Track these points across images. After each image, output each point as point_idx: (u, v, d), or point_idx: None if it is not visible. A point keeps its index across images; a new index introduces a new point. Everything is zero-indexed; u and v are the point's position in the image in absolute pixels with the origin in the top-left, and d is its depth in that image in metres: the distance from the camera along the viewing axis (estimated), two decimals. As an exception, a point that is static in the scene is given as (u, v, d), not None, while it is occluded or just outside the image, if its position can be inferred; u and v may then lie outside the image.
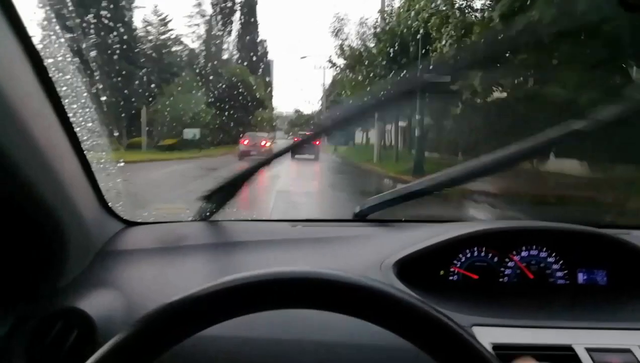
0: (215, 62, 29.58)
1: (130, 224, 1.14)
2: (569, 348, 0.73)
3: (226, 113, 29.01)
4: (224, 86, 29.36)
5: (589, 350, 0.73)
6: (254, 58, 40.75)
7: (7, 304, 0.79)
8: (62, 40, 0.73)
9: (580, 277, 1.01)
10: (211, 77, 26.56)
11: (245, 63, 33.96)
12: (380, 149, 19.81)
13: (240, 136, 21.81)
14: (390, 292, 0.41)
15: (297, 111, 66.68)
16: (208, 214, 1.39)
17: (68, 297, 0.80)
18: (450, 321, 0.41)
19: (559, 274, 1.02)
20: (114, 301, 0.83)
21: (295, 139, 20.92)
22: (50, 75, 0.67)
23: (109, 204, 1.03)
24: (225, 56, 33.57)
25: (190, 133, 21.84)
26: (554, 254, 1.02)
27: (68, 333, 0.75)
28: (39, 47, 0.62)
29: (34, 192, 0.70)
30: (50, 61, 0.66)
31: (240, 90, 32.04)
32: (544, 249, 1.02)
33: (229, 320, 0.41)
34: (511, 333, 0.78)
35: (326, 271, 0.42)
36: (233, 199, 1.21)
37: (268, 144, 19.71)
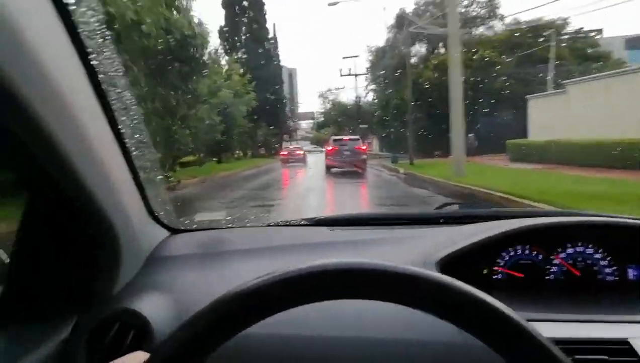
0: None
1: (175, 231, 1.19)
2: (624, 342, 0.71)
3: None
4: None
5: None
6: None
7: (67, 309, 0.83)
8: (115, 55, 0.77)
9: (631, 273, 0.97)
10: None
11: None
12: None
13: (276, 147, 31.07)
14: (454, 285, 0.41)
15: (325, 98, 45.00)
16: (247, 221, 1.43)
17: (123, 301, 0.84)
18: (512, 312, 0.40)
19: (608, 270, 0.97)
20: (166, 303, 0.86)
21: (332, 148, 15.87)
22: (103, 87, 0.71)
23: (156, 213, 1.08)
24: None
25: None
26: (601, 250, 0.98)
27: (125, 334, 0.78)
28: (94, 62, 0.67)
29: (91, 200, 0.74)
30: (102, 76, 0.70)
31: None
32: (590, 245, 0.98)
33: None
34: (563, 328, 0.76)
35: (406, 267, 0.42)
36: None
37: (301, 153, 24.83)
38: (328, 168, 16.85)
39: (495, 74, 23.33)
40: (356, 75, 38.49)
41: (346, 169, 16.11)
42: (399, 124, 25.35)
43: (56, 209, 0.78)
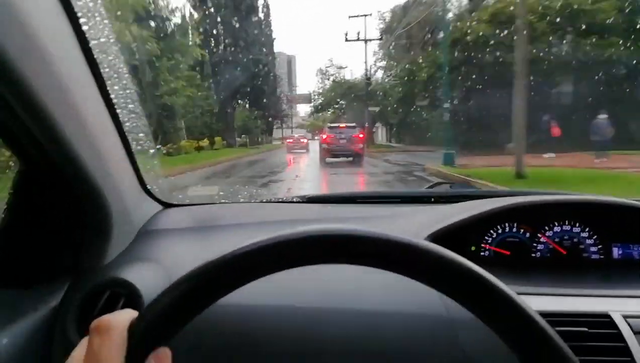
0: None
1: (167, 206, 1.19)
2: (605, 315, 0.73)
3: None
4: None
5: (625, 316, 0.73)
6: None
7: (57, 277, 0.84)
8: (106, 20, 0.76)
9: (615, 252, 0.99)
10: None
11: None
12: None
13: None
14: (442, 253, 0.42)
15: (324, 74, 34.65)
16: (240, 197, 1.44)
17: (113, 271, 0.84)
18: (501, 284, 0.41)
19: (593, 249, 1.00)
20: (156, 273, 0.87)
21: (327, 136, 14.99)
22: (94, 54, 0.70)
23: (148, 186, 1.08)
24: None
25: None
26: (587, 229, 1.00)
27: (115, 303, 0.79)
28: (84, 28, 0.65)
29: (82, 171, 0.74)
30: (95, 42, 0.69)
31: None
32: (577, 223, 1.00)
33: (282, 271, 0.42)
34: (546, 301, 0.78)
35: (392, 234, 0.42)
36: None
37: (305, 141, 26.31)
38: (323, 158, 15.52)
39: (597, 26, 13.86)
40: (366, 40, 29.20)
41: (343, 159, 14.95)
42: (431, 103, 17.04)
43: (48, 180, 0.78)
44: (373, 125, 27.92)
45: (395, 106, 25.22)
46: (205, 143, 22.12)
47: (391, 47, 28.33)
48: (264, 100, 30.14)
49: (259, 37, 28.94)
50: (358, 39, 28.87)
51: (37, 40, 0.56)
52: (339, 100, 33.74)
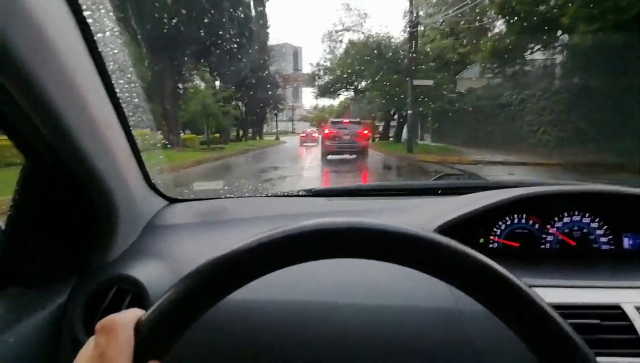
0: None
1: (172, 201, 1.19)
2: (617, 307, 0.72)
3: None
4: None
5: (638, 308, 0.72)
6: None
7: (64, 274, 0.84)
8: (111, 13, 0.75)
9: (626, 242, 0.98)
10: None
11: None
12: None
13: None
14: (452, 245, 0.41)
15: (334, 40, 20.18)
16: (245, 191, 1.44)
17: (119, 267, 0.84)
18: (514, 277, 0.41)
19: (603, 239, 0.99)
20: (162, 270, 0.87)
21: (329, 132, 14.29)
22: (99, 48, 0.69)
23: (153, 181, 1.08)
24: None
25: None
26: (597, 219, 0.99)
27: (122, 300, 0.79)
28: (89, 21, 0.65)
29: (88, 167, 0.73)
30: (100, 35, 0.68)
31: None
32: (587, 214, 0.99)
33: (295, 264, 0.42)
34: (557, 293, 0.78)
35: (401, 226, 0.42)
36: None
37: (316, 135, 26.64)
38: (324, 154, 14.40)
39: None
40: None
41: (346, 156, 14.07)
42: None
43: (54, 176, 0.78)
44: (415, 113, 16.57)
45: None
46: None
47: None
48: (245, 76, 18.77)
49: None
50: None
51: (42, 35, 0.55)
52: (354, 78, 20.19)
